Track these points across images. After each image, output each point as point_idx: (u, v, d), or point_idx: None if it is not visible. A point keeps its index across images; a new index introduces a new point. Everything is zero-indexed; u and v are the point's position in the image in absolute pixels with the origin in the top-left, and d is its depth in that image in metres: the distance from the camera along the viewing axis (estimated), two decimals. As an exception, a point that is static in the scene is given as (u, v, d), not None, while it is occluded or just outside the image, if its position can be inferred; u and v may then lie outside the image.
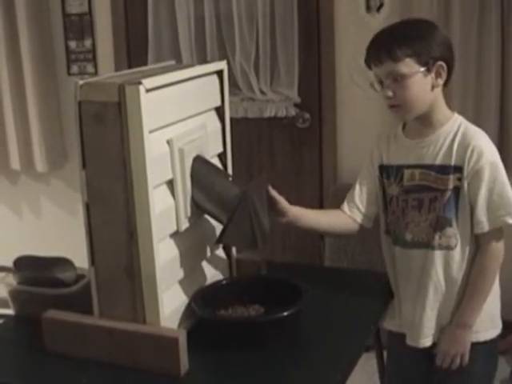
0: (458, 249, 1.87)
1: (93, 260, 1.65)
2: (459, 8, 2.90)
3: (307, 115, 3.34)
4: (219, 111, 1.89)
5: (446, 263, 1.88)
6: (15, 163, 3.75)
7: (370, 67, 1.86)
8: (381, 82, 1.83)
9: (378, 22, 3.10)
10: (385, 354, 2.16)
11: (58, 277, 1.88)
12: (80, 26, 3.55)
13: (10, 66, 3.60)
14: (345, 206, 2.01)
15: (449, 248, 1.87)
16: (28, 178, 3.89)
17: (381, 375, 2.22)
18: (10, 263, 1.93)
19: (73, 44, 3.59)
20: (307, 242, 3.48)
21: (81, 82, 1.55)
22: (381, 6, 3.11)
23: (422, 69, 1.79)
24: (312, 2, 3.24)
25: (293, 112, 3.33)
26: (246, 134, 3.42)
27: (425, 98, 1.83)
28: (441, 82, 1.84)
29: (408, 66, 1.78)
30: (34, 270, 1.90)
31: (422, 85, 1.81)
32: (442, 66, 1.82)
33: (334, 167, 3.32)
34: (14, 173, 3.87)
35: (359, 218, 1.99)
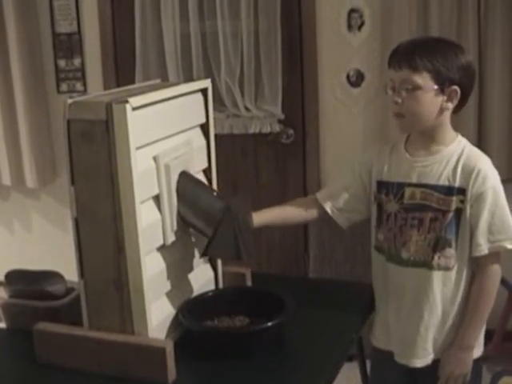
0: (456, 270, 1.85)
1: (82, 273, 1.66)
2: (438, 31, 2.94)
3: (291, 131, 3.37)
4: (204, 128, 1.91)
5: (443, 284, 1.86)
6: (6, 179, 3.75)
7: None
8: (394, 88, 1.80)
9: (360, 40, 3.15)
10: (368, 364, 2.16)
11: (49, 290, 1.90)
12: (69, 45, 3.56)
13: (0, 84, 3.61)
14: (327, 206, 1.98)
15: (447, 269, 1.85)
16: (19, 193, 3.89)
17: (364, 385, 2.25)
18: (1, 277, 1.95)
19: (62, 63, 3.60)
20: (292, 254, 3.50)
21: (69, 101, 1.57)
22: (362, 24, 3.14)
23: (436, 87, 1.76)
24: (295, 21, 3.28)
25: (277, 128, 3.36)
26: (231, 149, 3.44)
27: (429, 116, 1.79)
28: (450, 106, 1.80)
29: (424, 79, 1.75)
30: (25, 284, 1.91)
31: (431, 103, 1.78)
32: (456, 92, 1.78)
33: (317, 182, 3.34)
34: (5, 188, 3.87)
35: (341, 220, 1.99)
